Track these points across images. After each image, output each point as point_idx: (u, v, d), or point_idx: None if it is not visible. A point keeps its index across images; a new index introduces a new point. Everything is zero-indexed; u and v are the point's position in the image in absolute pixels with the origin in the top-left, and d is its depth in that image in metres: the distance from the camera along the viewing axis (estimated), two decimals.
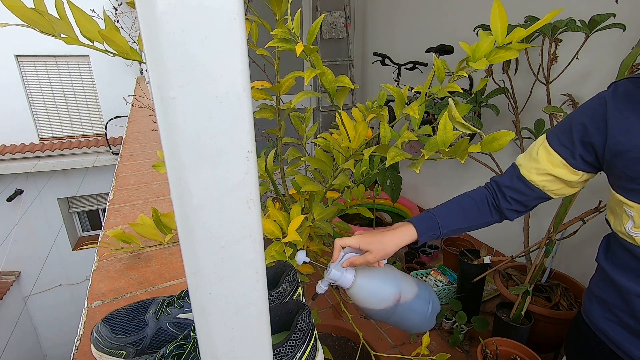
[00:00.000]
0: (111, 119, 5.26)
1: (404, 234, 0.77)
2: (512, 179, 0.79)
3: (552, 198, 0.78)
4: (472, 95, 2.01)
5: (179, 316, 0.59)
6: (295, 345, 0.46)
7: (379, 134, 0.81)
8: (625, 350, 0.70)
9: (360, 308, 0.79)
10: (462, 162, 0.67)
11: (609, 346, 0.74)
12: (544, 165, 0.74)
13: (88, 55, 5.19)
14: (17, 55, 4.95)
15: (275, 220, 0.78)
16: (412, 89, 2.36)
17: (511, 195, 0.79)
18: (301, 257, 0.76)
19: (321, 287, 0.78)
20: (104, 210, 5.95)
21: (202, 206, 0.24)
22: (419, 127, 0.77)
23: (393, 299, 0.77)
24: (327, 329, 1.79)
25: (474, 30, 2.04)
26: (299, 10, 0.73)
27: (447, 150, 0.66)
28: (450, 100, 0.66)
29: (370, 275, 0.77)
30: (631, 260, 0.68)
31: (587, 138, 0.68)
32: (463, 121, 0.64)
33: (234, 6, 0.21)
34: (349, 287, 0.77)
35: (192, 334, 0.48)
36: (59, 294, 5.67)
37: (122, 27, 4.61)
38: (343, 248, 0.76)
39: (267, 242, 0.72)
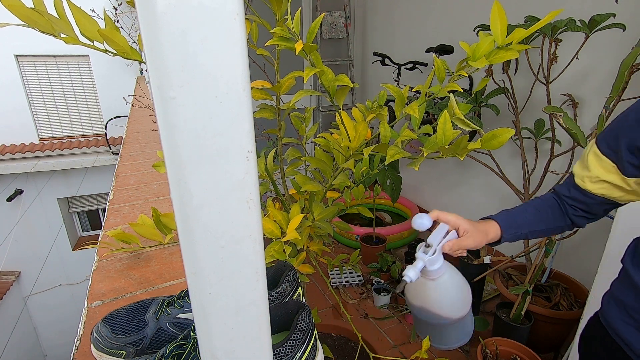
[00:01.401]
0: (111, 119, 5.26)
1: (490, 228, 0.71)
2: (569, 188, 0.75)
3: (621, 204, 0.71)
4: (472, 95, 2.01)
5: (179, 316, 0.59)
6: (295, 345, 0.46)
7: (378, 134, 0.81)
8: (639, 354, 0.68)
9: (425, 304, 0.66)
10: (462, 159, 0.66)
11: (622, 349, 0.71)
12: (596, 172, 0.68)
13: (88, 55, 5.19)
14: (17, 55, 4.94)
15: (275, 220, 0.78)
16: (412, 89, 2.36)
17: (572, 204, 0.75)
18: (425, 221, 0.62)
19: (415, 272, 0.61)
20: (104, 210, 5.95)
21: (202, 206, 0.24)
22: (419, 127, 0.77)
23: (464, 310, 0.66)
24: (327, 329, 1.80)
25: (474, 30, 2.04)
26: (299, 9, 0.73)
27: (446, 148, 0.66)
28: (451, 95, 0.66)
29: (456, 275, 0.66)
30: None
31: (636, 142, 0.62)
32: (463, 117, 0.64)
33: (234, 6, 0.21)
34: (435, 278, 0.63)
35: (192, 334, 0.48)
36: (59, 294, 5.67)
37: (122, 27, 4.61)
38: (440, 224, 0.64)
39: (267, 241, 0.72)
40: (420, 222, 0.63)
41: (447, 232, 0.68)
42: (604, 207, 0.73)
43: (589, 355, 0.82)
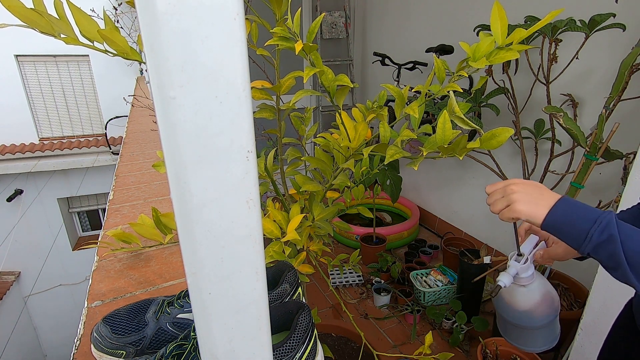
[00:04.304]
0: (111, 119, 5.26)
1: None
2: None
3: None
4: (472, 95, 2.01)
5: (179, 316, 0.59)
6: (295, 345, 0.46)
7: (378, 134, 0.81)
8: None
9: (511, 309, 0.72)
10: (461, 158, 0.67)
11: None
12: None
13: (88, 55, 5.19)
14: (17, 55, 4.94)
15: (275, 220, 0.78)
16: (412, 89, 2.37)
17: None
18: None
19: (509, 278, 0.70)
20: (104, 210, 5.95)
21: (202, 206, 0.24)
22: (419, 127, 0.77)
23: (551, 313, 0.71)
24: (327, 329, 1.79)
25: (474, 31, 2.04)
26: (299, 9, 0.73)
27: (445, 147, 0.66)
28: (450, 93, 0.66)
29: (545, 284, 0.72)
30: None
31: None
32: (463, 116, 0.64)
33: (234, 6, 0.21)
34: (526, 285, 0.70)
35: (192, 334, 0.48)
36: (59, 294, 5.67)
37: (122, 27, 4.61)
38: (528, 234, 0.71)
39: (267, 241, 0.72)
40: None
41: (538, 243, 0.72)
42: None
43: (615, 343, 0.81)
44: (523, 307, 0.71)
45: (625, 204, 1.26)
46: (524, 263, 0.68)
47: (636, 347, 0.73)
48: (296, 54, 0.71)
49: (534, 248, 0.72)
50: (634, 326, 0.76)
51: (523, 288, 0.71)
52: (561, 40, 1.70)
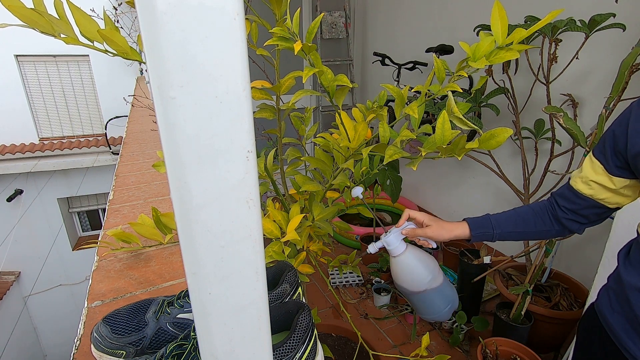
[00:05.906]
0: (111, 119, 5.26)
1: (458, 226, 0.86)
2: (563, 188, 0.83)
3: (610, 208, 0.78)
4: (472, 95, 2.01)
5: (179, 316, 0.59)
6: (295, 345, 0.46)
7: (378, 134, 0.81)
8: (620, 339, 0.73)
9: (394, 278, 0.89)
10: (459, 158, 0.67)
11: (609, 335, 0.76)
12: (586, 173, 0.77)
13: (88, 55, 5.19)
14: (17, 55, 4.94)
15: (274, 220, 0.78)
16: (412, 89, 2.36)
17: (563, 204, 0.82)
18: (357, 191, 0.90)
19: (374, 247, 0.89)
20: (104, 210, 5.95)
21: (202, 206, 0.24)
22: (419, 127, 0.77)
23: (423, 285, 0.86)
24: (327, 329, 1.80)
25: (474, 30, 2.04)
26: (299, 9, 0.73)
27: (445, 147, 0.66)
28: (449, 93, 0.66)
29: (416, 256, 0.87)
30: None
31: (616, 144, 0.71)
32: (462, 116, 0.64)
33: (234, 6, 0.21)
34: (396, 255, 0.86)
35: (192, 334, 0.48)
36: (58, 294, 5.67)
37: (122, 27, 4.61)
38: (408, 220, 0.88)
39: (267, 241, 0.72)
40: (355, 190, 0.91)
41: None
42: (594, 211, 0.79)
43: (584, 343, 0.86)
44: (396, 275, 0.88)
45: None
46: (387, 237, 0.86)
47: (608, 345, 0.77)
48: (295, 54, 0.71)
49: (404, 227, 0.89)
50: (600, 324, 0.80)
51: (394, 259, 0.87)
52: (561, 40, 1.70)
